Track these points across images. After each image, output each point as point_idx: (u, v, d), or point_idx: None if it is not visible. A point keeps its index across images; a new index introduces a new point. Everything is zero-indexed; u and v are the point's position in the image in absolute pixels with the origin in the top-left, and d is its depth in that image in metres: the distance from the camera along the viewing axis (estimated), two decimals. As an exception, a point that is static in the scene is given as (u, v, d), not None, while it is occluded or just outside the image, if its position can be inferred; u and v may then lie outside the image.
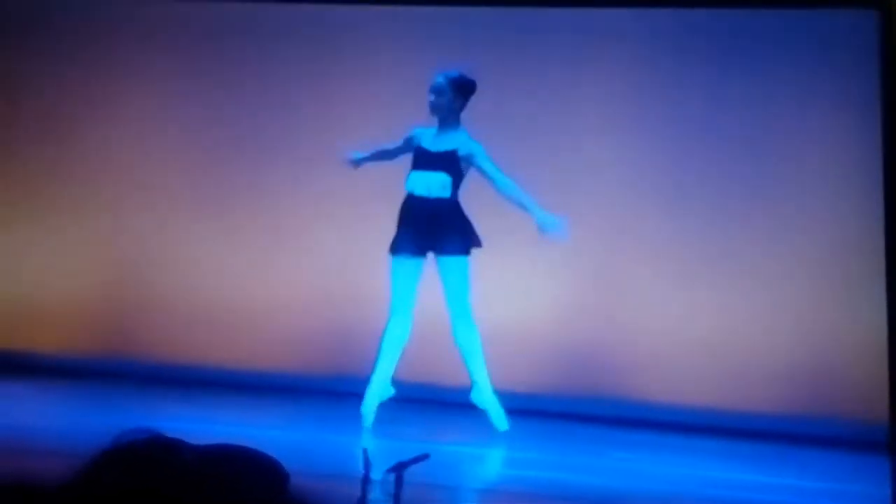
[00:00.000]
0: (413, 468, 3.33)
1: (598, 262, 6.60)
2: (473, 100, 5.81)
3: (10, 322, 6.82)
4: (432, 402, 6.19)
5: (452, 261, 5.67)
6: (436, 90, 5.72)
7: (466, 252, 5.70)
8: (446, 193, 5.69)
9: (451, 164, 5.70)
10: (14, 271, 6.93)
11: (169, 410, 5.63)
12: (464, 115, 5.81)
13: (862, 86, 6.37)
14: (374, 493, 3.44)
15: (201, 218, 6.83)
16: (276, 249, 6.76)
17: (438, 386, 6.20)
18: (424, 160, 5.73)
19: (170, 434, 1.58)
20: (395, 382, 5.72)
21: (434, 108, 5.75)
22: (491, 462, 5.75)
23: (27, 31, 7.02)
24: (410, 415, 5.84)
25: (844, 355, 6.34)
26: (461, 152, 5.70)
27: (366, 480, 3.35)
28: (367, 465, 3.35)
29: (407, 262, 5.67)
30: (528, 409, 5.97)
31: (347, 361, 6.42)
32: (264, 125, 6.83)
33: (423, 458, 3.37)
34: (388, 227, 5.83)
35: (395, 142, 5.89)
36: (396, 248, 5.69)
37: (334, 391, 6.31)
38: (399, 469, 3.30)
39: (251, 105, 6.84)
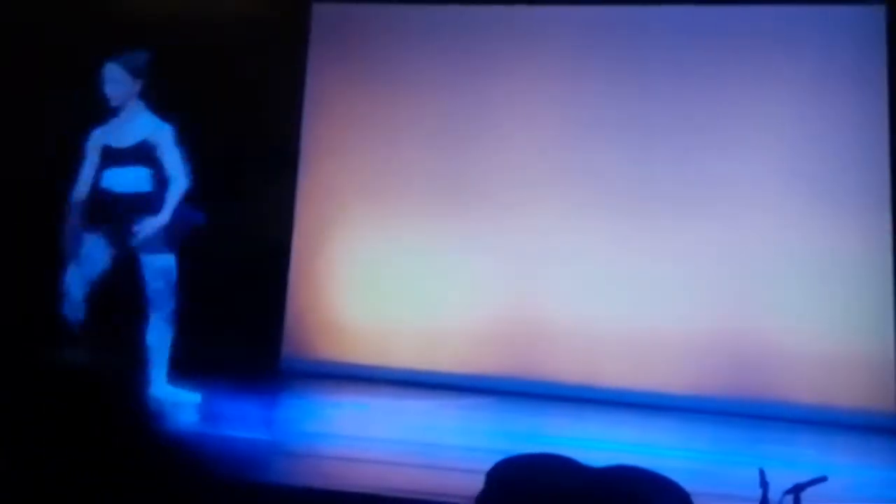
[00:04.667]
0: (810, 490, 3.30)
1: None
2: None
3: (415, 343, 7.13)
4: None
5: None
6: (111, 80, 5.48)
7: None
8: (147, 187, 5.50)
9: (145, 155, 5.48)
10: (418, 294, 7.24)
11: (564, 428, 5.79)
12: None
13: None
14: (771, 515, 3.42)
15: (593, 236, 6.98)
16: (670, 271, 6.84)
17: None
18: (114, 159, 5.51)
19: (566, 453, 1.66)
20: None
21: (112, 99, 5.50)
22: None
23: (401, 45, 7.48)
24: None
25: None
26: (151, 140, 5.50)
27: (763, 502, 3.35)
28: (765, 486, 3.34)
29: None
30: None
31: (736, 382, 6.47)
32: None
33: (821, 480, 3.33)
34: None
35: (85, 165, 5.60)
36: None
37: (728, 412, 6.32)
38: (797, 491, 3.28)
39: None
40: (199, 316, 6.81)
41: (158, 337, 5.58)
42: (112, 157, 5.54)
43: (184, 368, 5.65)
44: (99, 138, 5.59)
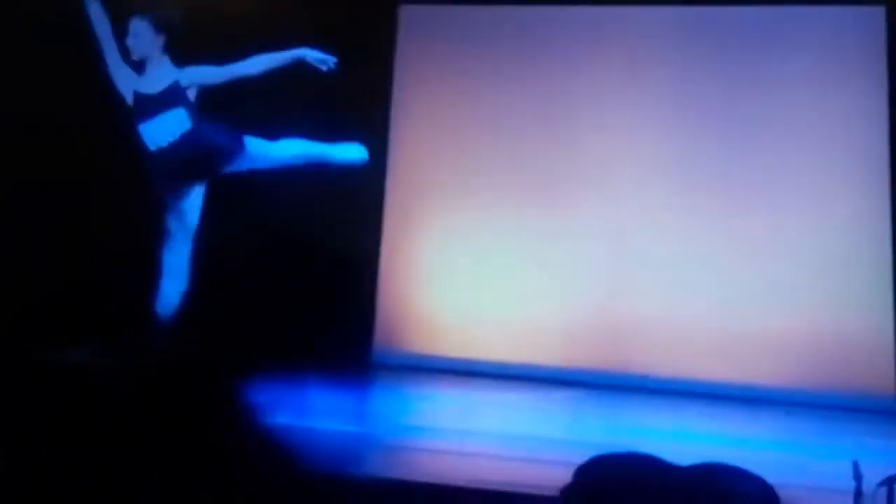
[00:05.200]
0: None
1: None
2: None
3: (505, 336, 7.17)
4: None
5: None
6: (134, 33, 5.52)
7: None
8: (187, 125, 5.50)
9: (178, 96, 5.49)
10: (508, 288, 7.28)
11: (657, 421, 5.80)
12: None
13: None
14: (866, 507, 3.40)
15: (680, 231, 6.99)
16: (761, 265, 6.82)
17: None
18: (148, 107, 5.51)
19: (661, 448, 1.67)
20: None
21: (135, 51, 5.52)
22: None
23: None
24: None
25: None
26: (182, 81, 5.50)
27: (858, 494, 3.32)
28: (859, 477, 3.32)
29: None
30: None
31: (832, 375, 6.41)
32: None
33: (917, 473, 3.30)
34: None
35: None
36: None
37: (823, 404, 6.27)
38: (891, 483, 3.25)
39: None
40: (293, 309, 6.93)
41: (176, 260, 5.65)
42: (144, 105, 5.59)
43: (277, 361, 5.74)
44: (128, 82, 5.66)
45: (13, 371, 1.67)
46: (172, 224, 5.65)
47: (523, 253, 7.27)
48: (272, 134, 5.86)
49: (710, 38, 6.93)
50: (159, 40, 5.58)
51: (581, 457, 1.74)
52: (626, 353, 6.93)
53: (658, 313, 6.91)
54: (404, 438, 4.99)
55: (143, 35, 5.56)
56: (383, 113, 7.68)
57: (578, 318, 7.04)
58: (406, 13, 7.71)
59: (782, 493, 1.63)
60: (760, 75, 6.75)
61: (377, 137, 7.61)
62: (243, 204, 7.07)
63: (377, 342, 7.41)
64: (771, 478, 1.64)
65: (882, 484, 3.20)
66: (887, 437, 5.47)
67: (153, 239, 5.82)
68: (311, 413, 5.06)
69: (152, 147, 5.52)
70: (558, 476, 1.78)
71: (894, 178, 6.37)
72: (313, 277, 7.17)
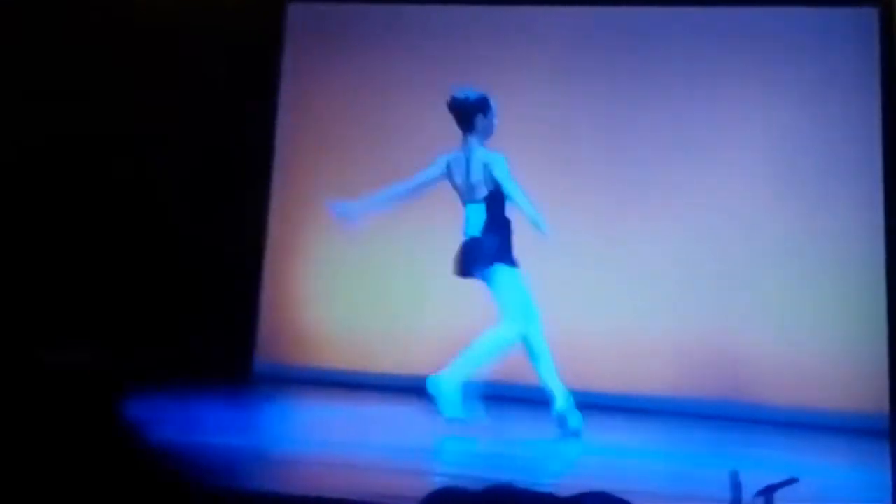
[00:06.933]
0: (782, 492, 3.32)
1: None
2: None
3: (387, 348, 7.11)
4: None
5: None
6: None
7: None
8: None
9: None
10: (390, 300, 7.24)
11: (541, 431, 5.82)
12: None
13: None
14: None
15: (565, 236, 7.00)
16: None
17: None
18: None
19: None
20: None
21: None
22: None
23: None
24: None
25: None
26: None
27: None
28: (738, 488, 3.36)
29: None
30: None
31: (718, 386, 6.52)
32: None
33: (793, 481, 3.36)
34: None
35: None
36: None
37: (722, 416, 6.40)
38: (769, 492, 3.30)
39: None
40: (172, 322, 6.80)
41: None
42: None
43: (156, 375, 5.62)
44: None
45: None
46: None
47: (404, 265, 7.23)
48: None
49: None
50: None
51: (461, 468, 1.75)
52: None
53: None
54: (288, 451, 4.94)
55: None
56: (269, 113, 7.55)
57: (457, 330, 7.01)
58: (293, 11, 7.63)
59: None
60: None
61: (261, 140, 7.52)
62: (119, 209, 6.93)
63: (261, 355, 7.31)
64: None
65: (760, 493, 3.25)
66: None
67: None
68: (194, 427, 4.97)
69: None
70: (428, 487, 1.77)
71: (887, 182, 6.37)
72: (194, 289, 7.05)
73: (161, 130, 6.86)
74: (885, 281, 6.21)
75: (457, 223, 7.12)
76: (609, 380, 6.72)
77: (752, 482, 3.31)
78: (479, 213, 5.64)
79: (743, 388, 6.56)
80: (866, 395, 6.25)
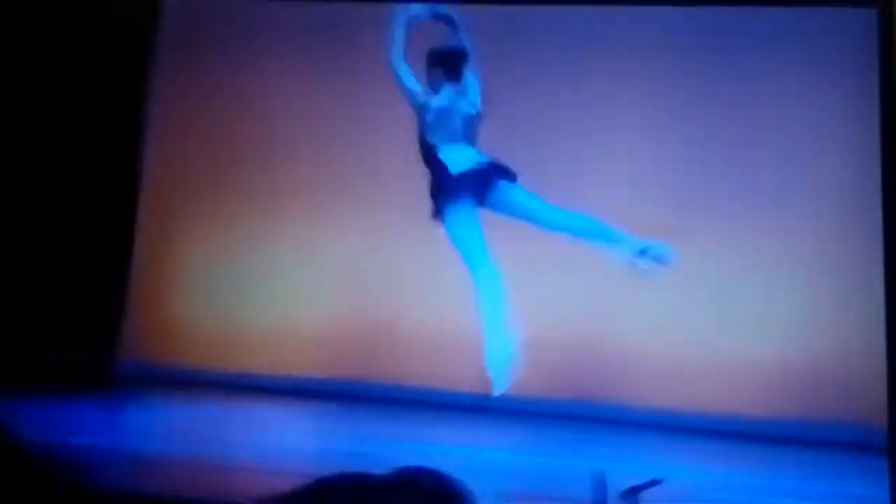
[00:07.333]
0: (646, 493, 3.38)
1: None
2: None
3: (266, 347, 6.99)
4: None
5: None
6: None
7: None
8: None
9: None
10: (261, 296, 7.10)
11: (407, 434, 5.77)
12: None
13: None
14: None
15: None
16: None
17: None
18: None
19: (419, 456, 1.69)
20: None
21: None
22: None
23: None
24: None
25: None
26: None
27: (597, 504, 3.40)
28: (603, 488, 3.40)
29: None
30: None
31: (586, 387, 6.55)
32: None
33: (656, 483, 3.41)
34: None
35: None
36: None
37: (575, 416, 6.39)
38: (633, 493, 3.35)
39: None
40: (30, 316, 6.60)
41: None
42: None
43: (13, 374, 5.47)
44: None
45: None
46: None
47: (277, 260, 7.12)
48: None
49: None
50: None
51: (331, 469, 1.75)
52: (379, 362, 6.86)
53: (409, 321, 6.87)
54: (154, 451, 4.85)
55: None
56: (139, 106, 7.40)
57: (330, 328, 6.95)
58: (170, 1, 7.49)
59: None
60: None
61: (131, 133, 7.34)
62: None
63: (128, 352, 7.13)
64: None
65: (625, 494, 3.29)
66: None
67: None
68: (57, 428, 4.85)
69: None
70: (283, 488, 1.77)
71: (886, 184, 6.25)
72: (55, 283, 6.86)
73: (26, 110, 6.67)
74: (885, 281, 6.06)
75: (334, 224, 7.02)
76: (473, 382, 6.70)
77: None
78: (466, 150, 5.88)
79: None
80: (867, 406, 6.08)
